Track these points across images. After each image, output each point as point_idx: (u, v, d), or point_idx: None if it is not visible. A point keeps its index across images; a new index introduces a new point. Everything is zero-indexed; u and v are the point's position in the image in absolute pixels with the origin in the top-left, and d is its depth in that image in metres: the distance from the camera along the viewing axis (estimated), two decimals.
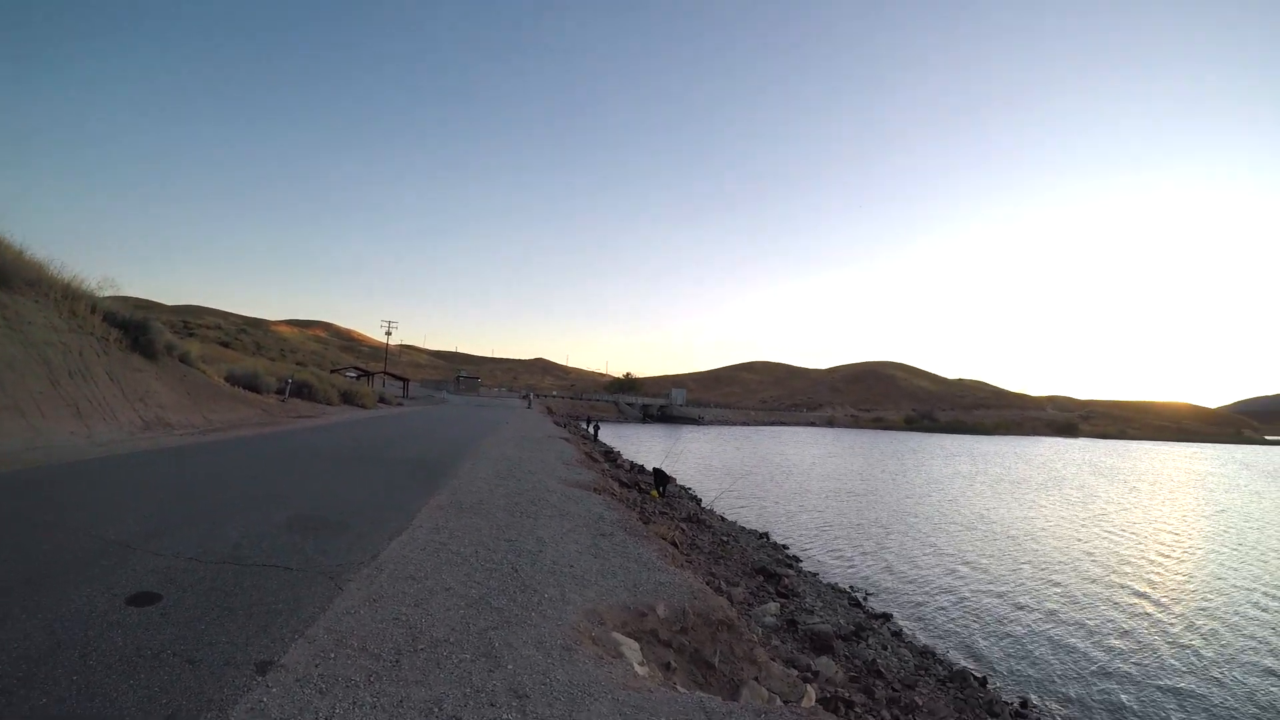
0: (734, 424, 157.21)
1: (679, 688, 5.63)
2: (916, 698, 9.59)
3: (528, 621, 5.76)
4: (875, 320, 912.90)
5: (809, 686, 6.69)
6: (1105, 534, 29.18)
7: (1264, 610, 17.81)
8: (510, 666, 4.82)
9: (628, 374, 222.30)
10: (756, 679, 6.12)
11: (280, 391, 33.79)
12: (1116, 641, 14.64)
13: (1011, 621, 15.78)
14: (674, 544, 15.11)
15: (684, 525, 17.86)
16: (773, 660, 6.62)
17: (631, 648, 5.78)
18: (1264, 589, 20.01)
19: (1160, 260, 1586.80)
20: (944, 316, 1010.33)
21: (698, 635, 6.26)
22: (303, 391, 36.79)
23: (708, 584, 12.43)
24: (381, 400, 50.25)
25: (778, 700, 6.07)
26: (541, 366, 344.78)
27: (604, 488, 15.79)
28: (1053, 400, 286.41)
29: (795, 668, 8.48)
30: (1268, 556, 25.39)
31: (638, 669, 5.35)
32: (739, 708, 4.70)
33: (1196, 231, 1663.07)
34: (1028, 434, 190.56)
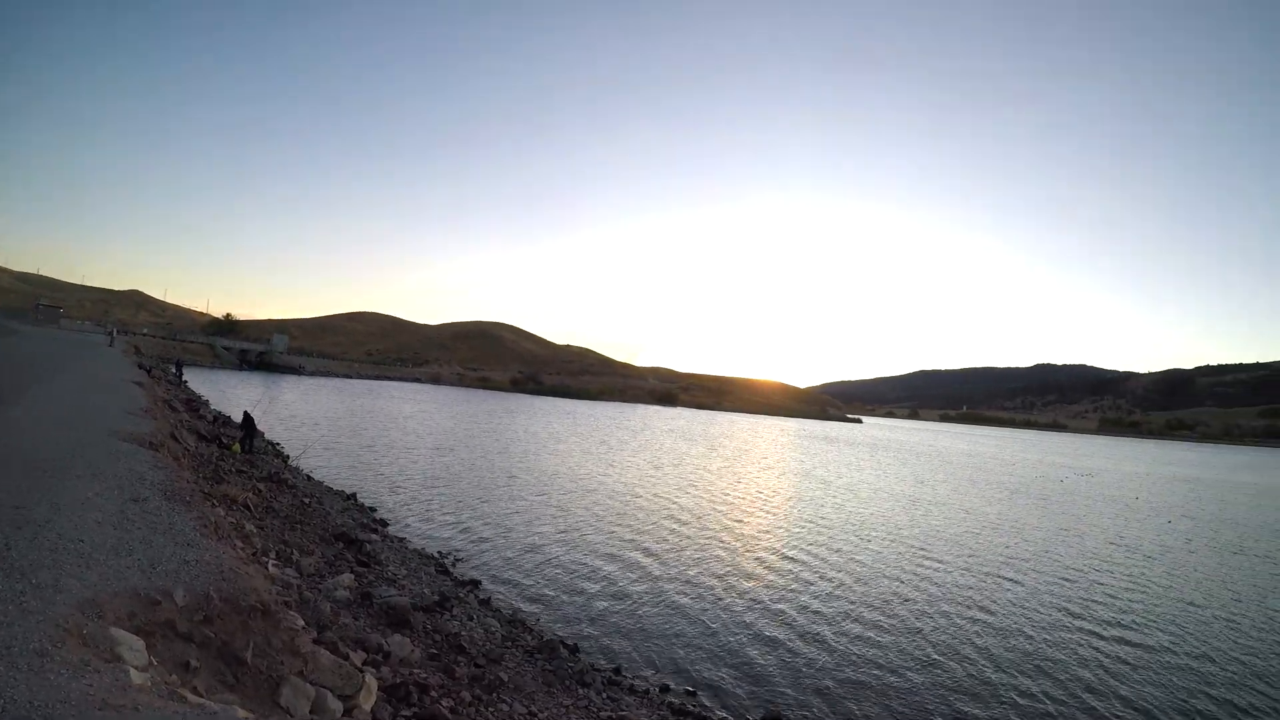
0: (337, 375, 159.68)
1: (198, 694, 4.94)
2: (502, 673, 9.82)
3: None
4: (487, 281, 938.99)
5: (369, 675, 6.36)
6: (685, 491, 34.55)
7: (829, 547, 21.81)
8: None
9: (228, 315, 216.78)
10: (301, 673, 5.62)
11: None
12: (705, 597, 17.00)
13: (605, 583, 17.42)
14: (247, 507, 13.86)
15: (262, 485, 16.53)
16: (322, 649, 6.13)
17: (134, 647, 4.91)
18: (833, 533, 24.62)
19: (763, 253, 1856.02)
20: (555, 284, 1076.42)
21: (227, 625, 5.54)
22: None
23: (278, 554, 11.50)
24: None
25: (329, 697, 5.64)
26: (137, 300, 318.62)
27: (163, 442, 13.89)
28: (655, 371, 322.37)
29: (365, 649, 8.11)
30: (836, 505, 31.22)
31: (135, 676, 4.53)
32: None
33: (796, 236, 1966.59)
34: (630, 401, 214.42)
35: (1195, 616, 18.50)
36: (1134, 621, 17.55)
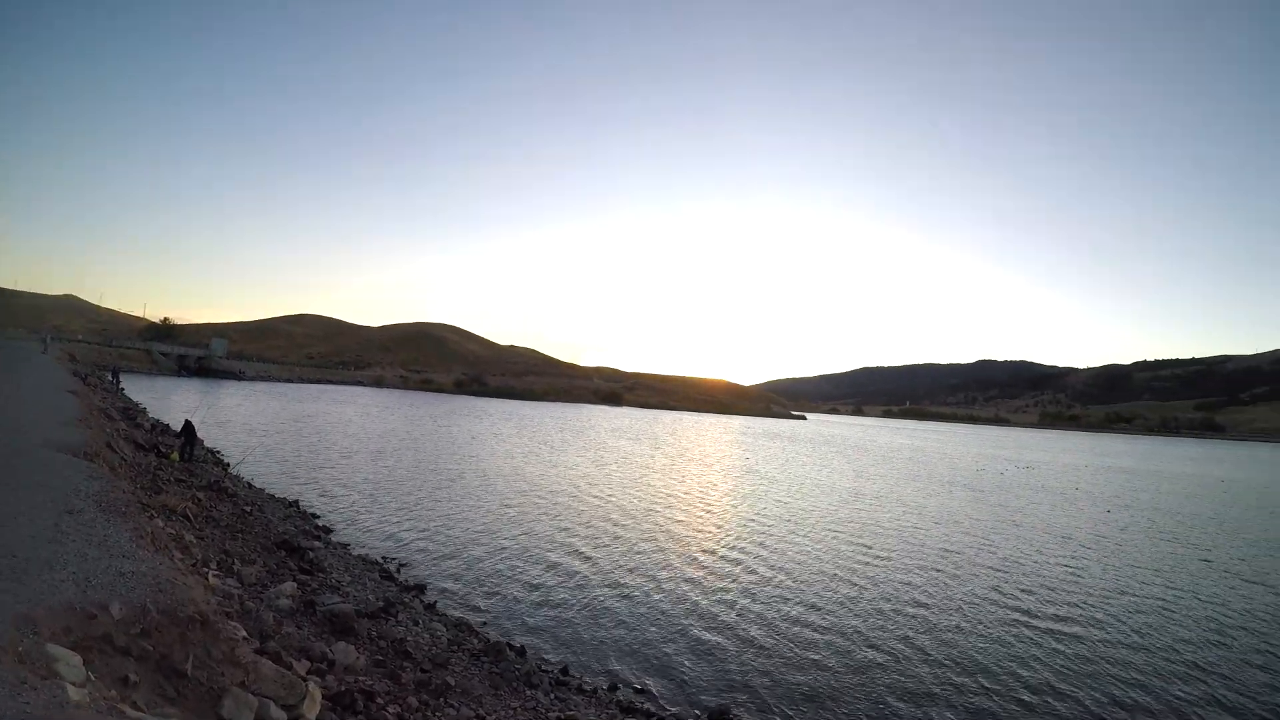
0: (278, 380, 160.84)
1: (138, 708, 4.95)
2: (449, 677, 9.89)
3: None
4: (430, 282, 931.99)
5: (313, 684, 6.41)
6: (628, 491, 35.12)
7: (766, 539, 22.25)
8: None
9: (166, 320, 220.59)
10: (243, 684, 5.66)
11: None
12: (651, 597, 17.26)
13: (550, 585, 17.62)
14: (186, 517, 13.69)
15: (201, 495, 16.31)
16: (264, 658, 6.19)
17: (71, 663, 4.89)
18: (775, 529, 25.01)
19: (706, 253, 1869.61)
20: (499, 285, 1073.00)
21: (165, 637, 5.55)
22: None
23: (219, 564, 11.40)
24: None
25: (271, 707, 5.69)
26: (73, 306, 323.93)
27: (98, 452, 13.65)
28: (600, 371, 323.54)
29: (309, 658, 8.14)
30: (778, 501, 31.72)
31: (73, 692, 4.53)
32: None
33: (739, 236, 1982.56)
34: (575, 401, 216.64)
35: (1130, 605, 19.32)
36: (1070, 614, 18.24)
